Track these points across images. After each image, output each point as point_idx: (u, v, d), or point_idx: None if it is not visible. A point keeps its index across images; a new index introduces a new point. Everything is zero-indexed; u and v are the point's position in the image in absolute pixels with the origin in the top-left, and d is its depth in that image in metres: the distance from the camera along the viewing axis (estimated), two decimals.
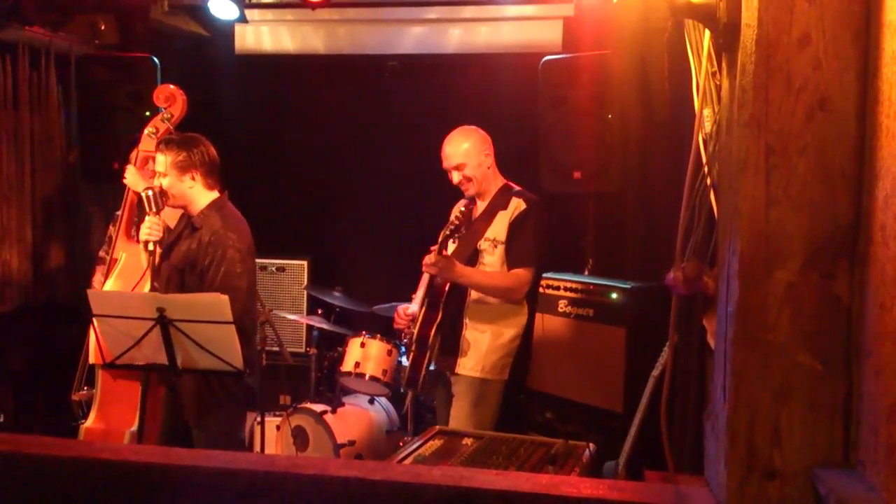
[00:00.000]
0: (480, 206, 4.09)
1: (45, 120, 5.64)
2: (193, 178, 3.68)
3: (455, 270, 3.84)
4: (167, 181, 3.67)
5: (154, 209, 3.63)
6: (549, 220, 4.22)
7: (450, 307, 3.96)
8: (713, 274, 2.05)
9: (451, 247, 4.00)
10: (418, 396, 4.38)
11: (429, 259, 3.82)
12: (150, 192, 3.64)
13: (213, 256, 3.57)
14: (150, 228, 3.62)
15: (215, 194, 3.75)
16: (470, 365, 3.94)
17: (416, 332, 3.96)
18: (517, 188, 4.09)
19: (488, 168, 4.05)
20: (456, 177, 4.03)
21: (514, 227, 3.93)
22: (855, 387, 1.68)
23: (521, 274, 3.94)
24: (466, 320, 3.99)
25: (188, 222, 3.74)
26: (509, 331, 4.01)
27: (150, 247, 3.63)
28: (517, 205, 3.98)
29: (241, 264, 3.59)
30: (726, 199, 1.94)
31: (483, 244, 3.96)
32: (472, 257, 3.97)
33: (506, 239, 3.93)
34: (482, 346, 3.95)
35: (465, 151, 4.01)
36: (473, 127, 4.13)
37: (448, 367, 3.99)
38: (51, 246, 5.73)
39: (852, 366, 1.69)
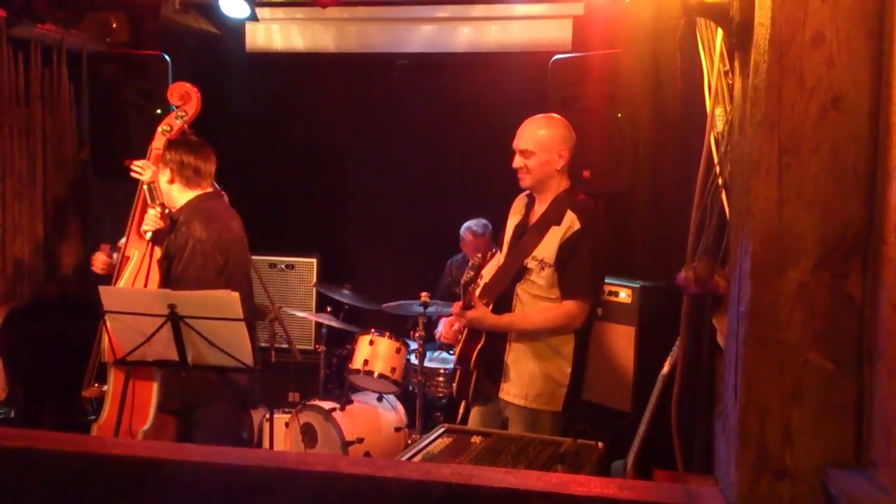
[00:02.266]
0: (538, 208, 3.67)
1: (57, 117, 5.67)
2: (165, 173, 3.80)
3: (487, 323, 3.58)
4: (159, 171, 3.84)
5: (155, 201, 3.83)
6: (607, 233, 3.89)
7: (493, 332, 3.66)
8: (724, 273, 2.04)
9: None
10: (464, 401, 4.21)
11: (455, 310, 3.60)
12: (152, 184, 3.85)
13: (181, 248, 3.64)
14: (147, 219, 3.82)
15: (195, 192, 3.81)
16: (514, 392, 3.59)
17: (459, 349, 3.73)
18: (579, 197, 3.62)
19: (556, 170, 3.57)
20: (518, 161, 3.59)
21: (566, 250, 3.49)
22: (867, 387, 1.68)
23: (570, 308, 3.49)
24: (510, 343, 3.62)
25: (171, 218, 3.84)
26: (555, 358, 3.58)
27: (149, 236, 3.79)
28: (571, 222, 3.51)
29: (202, 257, 3.62)
30: (738, 199, 1.94)
31: (530, 262, 3.55)
32: (519, 274, 3.59)
33: (555, 262, 3.50)
34: (526, 372, 3.58)
35: (540, 139, 3.56)
36: (563, 120, 3.67)
37: (493, 392, 3.69)
38: (62, 242, 5.76)
39: (864, 366, 1.68)
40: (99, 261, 4.23)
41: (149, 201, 3.90)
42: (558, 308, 3.52)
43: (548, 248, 3.53)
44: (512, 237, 3.76)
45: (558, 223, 3.53)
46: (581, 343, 3.61)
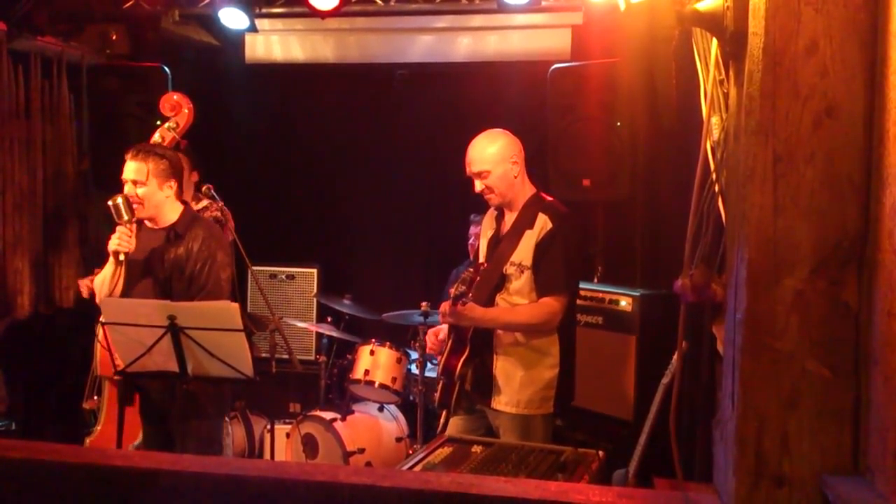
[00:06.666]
0: (508, 218, 3.73)
1: (57, 129, 5.68)
2: (171, 188, 3.67)
3: (474, 316, 3.55)
4: (146, 189, 3.60)
5: (126, 217, 3.54)
6: (581, 232, 3.94)
7: (477, 340, 3.66)
8: (722, 281, 2.05)
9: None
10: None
11: (443, 309, 3.57)
12: (120, 201, 3.54)
13: (203, 263, 3.59)
14: (121, 239, 3.54)
15: (181, 204, 3.76)
16: (505, 401, 3.60)
17: (442, 361, 3.74)
18: (547, 200, 3.71)
19: (515, 177, 3.64)
20: (478, 185, 3.65)
21: (541, 250, 3.56)
22: (863, 394, 1.68)
23: (550, 303, 3.54)
24: (496, 354, 3.64)
25: (170, 230, 3.68)
26: (542, 362, 3.61)
27: (121, 257, 3.55)
28: (543, 223, 3.58)
29: (223, 271, 3.64)
30: (734, 207, 1.95)
31: (509, 269, 3.60)
32: (500, 283, 3.62)
33: (532, 263, 3.56)
34: (515, 380, 3.60)
35: (490, 157, 3.60)
36: (501, 130, 3.72)
37: (483, 403, 3.68)
38: (62, 254, 5.76)
39: (861, 373, 1.69)
40: (85, 286, 4.20)
41: (115, 218, 3.54)
42: (538, 304, 3.57)
43: (524, 251, 3.59)
44: (487, 251, 3.80)
45: (531, 226, 3.60)
46: (566, 344, 3.66)
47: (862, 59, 1.68)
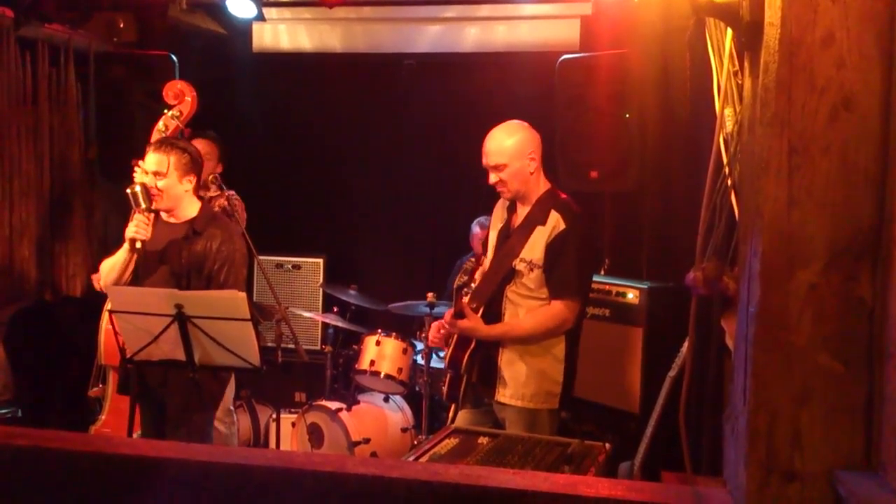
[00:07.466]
0: (521, 211, 3.67)
1: (64, 117, 5.67)
2: (190, 182, 3.69)
3: (480, 334, 3.58)
4: (166, 181, 3.62)
5: (143, 206, 3.59)
6: (593, 232, 3.93)
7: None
8: (734, 275, 2.03)
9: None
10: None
11: (447, 320, 3.60)
12: (139, 189, 3.58)
13: (222, 264, 3.62)
14: (138, 226, 3.57)
15: (199, 201, 3.78)
16: (509, 394, 3.59)
17: (449, 353, 3.72)
18: (561, 197, 3.64)
19: (531, 173, 3.56)
20: (493, 177, 3.59)
21: (553, 250, 3.50)
22: (877, 389, 1.67)
23: (561, 308, 3.50)
24: (502, 347, 3.61)
25: (189, 226, 3.69)
26: (548, 356, 3.58)
27: (138, 245, 3.58)
28: (555, 222, 3.52)
29: (240, 271, 3.67)
30: (748, 200, 1.93)
31: (519, 265, 3.55)
32: (508, 276, 3.58)
33: (544, 264, 3.51)
34: (520, 374, 3.57)
35: (507, 150, 3.54)
36: (521, 123, 3.65)
37: (488, 395, 3.66)
38: (68, 243, 5.76)
39: (874, 368, 1.67)
40: (97, 280, 4.20)
41: (133, 206, 3.59)
42: (549, 310, 3.53)
43: (535, 249, 3.55)
44: (496, 242, 3.77)
45: (543, 223, 3.55)
46: (572, 341, 3.63)
47: (879, 51, 1.66)
